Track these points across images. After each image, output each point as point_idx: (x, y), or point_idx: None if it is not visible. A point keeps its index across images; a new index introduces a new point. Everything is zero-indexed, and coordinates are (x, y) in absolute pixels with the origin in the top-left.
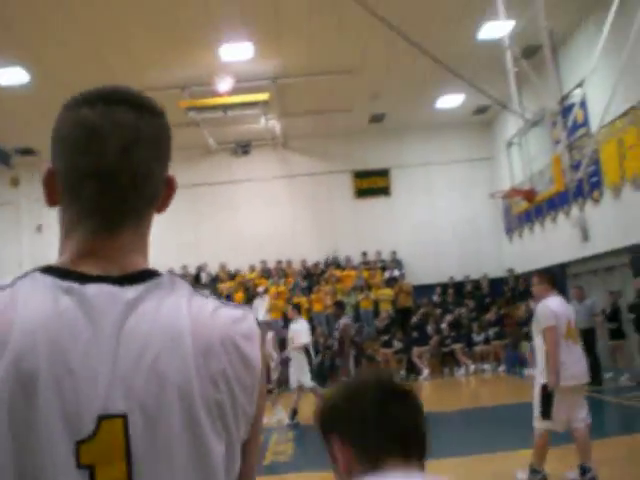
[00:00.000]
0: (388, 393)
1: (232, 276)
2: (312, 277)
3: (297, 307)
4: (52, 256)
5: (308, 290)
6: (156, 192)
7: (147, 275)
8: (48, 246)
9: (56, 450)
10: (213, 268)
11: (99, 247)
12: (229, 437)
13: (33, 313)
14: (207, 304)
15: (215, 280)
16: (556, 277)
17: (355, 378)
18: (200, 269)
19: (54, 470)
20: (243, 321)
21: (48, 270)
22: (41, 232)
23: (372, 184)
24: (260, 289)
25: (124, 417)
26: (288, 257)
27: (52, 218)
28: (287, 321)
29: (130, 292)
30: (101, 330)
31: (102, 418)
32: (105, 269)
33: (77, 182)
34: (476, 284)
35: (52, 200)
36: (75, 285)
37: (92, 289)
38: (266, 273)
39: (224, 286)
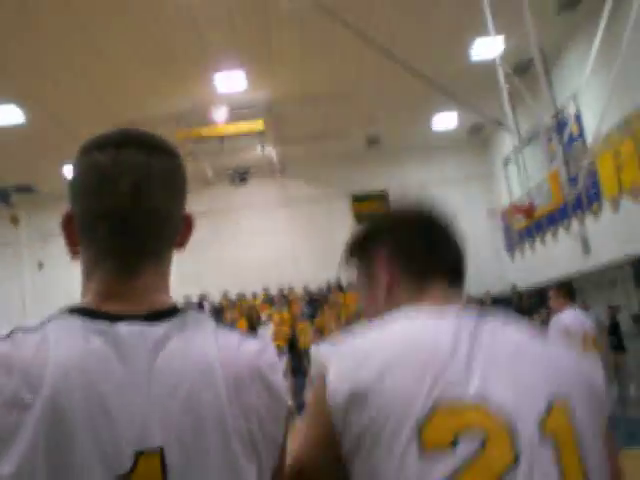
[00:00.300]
0: (435, 220)
1: (234, 304)
2: (315, 302)
3: (320, 331)
4: (54, 292)
5: (312, 316)
6: (174, 231)
7: (173, 312)
8: (50, 282)
9: None
10: (215, 297)
11: (120, 288)
12: (260, 464)
13: (66, 353)
14: (232, 338)
15: (218, 310)
16: (572, 289)
17: (397, 207)
18: (202, 298)
19: None
20: (265, 352)
21: (75, 311)
22: (42, 269)
23: (370, 207)
24: (263, 317)
25: (161, 452)
26: (290, 283)
27: (53, 255)
28: (292, 348)
29: (158, 329)
30: (133, 368)
31: (139, 454)
32: (130, 309)
33: (91, 224)
34: (480, 302)
35: (72, 243)
36: (104, 325)
37: (121, 328)
38: (269, 300)
39: (228, 316)
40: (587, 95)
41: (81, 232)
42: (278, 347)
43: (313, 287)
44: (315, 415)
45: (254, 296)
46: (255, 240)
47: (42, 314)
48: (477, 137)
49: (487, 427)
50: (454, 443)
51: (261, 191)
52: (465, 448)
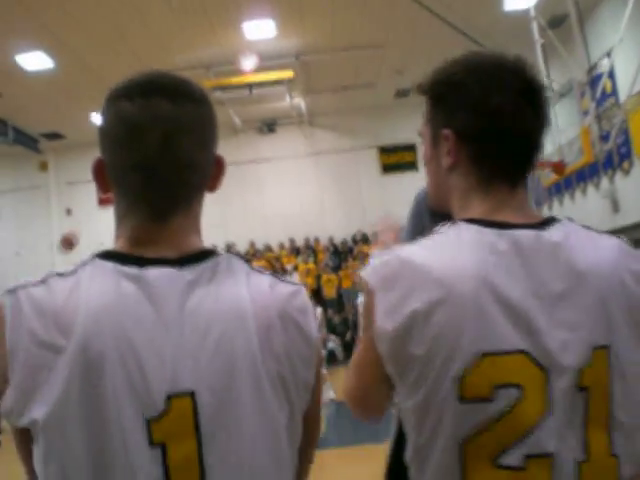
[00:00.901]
0: (521, 91)
1: (260, 253)
2: (340, 254)
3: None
4: (82, 238)
5: (337, 267)
6: (204, 178)
7: (204, 255)
8: (77, 228)
9: (128, 430)
10: (242, 247)
11: (151, 235)
12: (291, 408)
13: (97, 298)
14: (264, 281)
15: (245, 260)
16: None
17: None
18: (229, 248)
19: (126, 449)
20: (298, 295)
21: (107, 255)
22: (71, 215)
23: (399, 159)
24: (289, 267)
25: (192, 395)
26: (316, 234)
27: (80, 201)
28: (318, 298)
29: (189, 273)
30: (163, 312)
31: (171, 396)
32: (162, 253)
33: (122, 175)
34: None
35: (103, 189)
36: (135, 269)
37: (152, 272)
38: (294, 251)
39: (254, 264)
40: (621, 52)
41: (112, 180)
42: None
43: (338, 238)
44: (366, 329)
45: (280, 246)
46: (281, 190)
47: (70, 259)
48: None
49: (526, 379)
50: (492, 395)
51: (288, 141)
52: (502, 400)
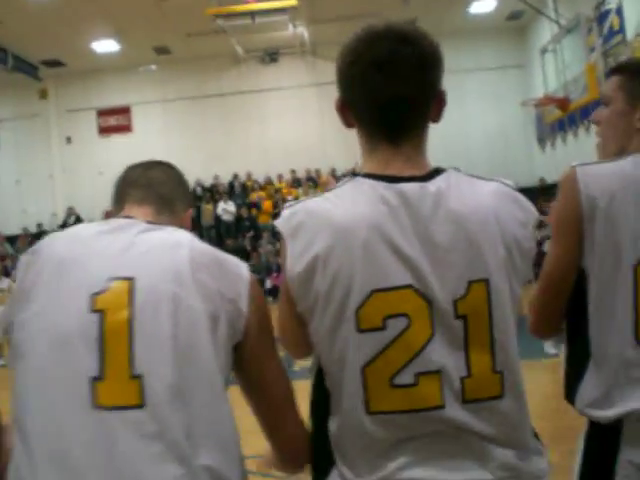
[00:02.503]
0: (383, 58)
1: (261, 186)
2: None
3: None
4: (81, 167)
5: None
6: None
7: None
8: (78, 157)
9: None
10: (243, 178)
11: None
12: (212, 303)
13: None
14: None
15: (245, 189)
16: None
17: (357, 36)
18: (234, 179)
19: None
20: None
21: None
22: (71, 143)
23: None
24: (290, 198)
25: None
26: (317, 166)
27: (80, 130)
28: None
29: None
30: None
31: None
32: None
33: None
34: None
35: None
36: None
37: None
38: (296, 182)
39: (255, 195)
40: None
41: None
42: None
43: (340, 170)
44: (284, 273)
45: (280, 178)
46: (283, 121)
47: (70, 187)
48: (515, 24)
49: (412, 309)
50: (384, 324)
51: (291, 71)
52: (392, 328)
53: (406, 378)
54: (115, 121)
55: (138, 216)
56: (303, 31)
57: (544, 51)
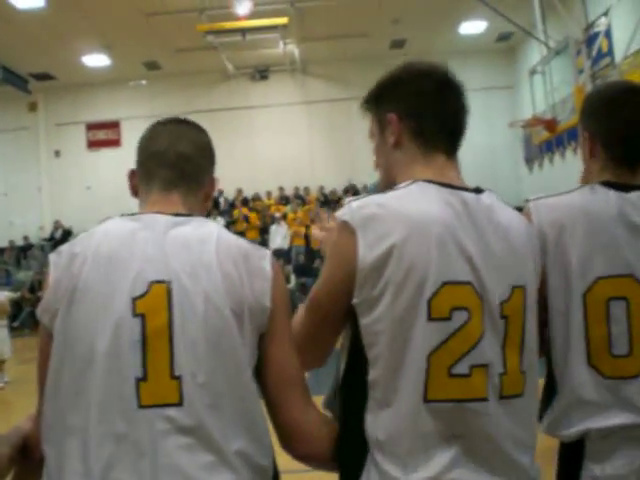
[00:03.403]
0: (444, 81)
1: (246, 202)
2: (330, 204)
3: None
4: (70, 180)
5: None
6: None
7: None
8: (66, 170)
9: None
10: (230, 194)
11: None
12: (239, 304)
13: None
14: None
15: (232, 206)
16: None
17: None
18: (220, 194)
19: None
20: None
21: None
22: (59, 157)
23: None
24: (277, 215)
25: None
26: (306, 184)
27: (69, 143)
28: (308, 248)
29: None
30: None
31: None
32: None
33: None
34: None
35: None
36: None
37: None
38: (284, 200)
39: (243, 211)
40: (619, 11)
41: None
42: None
43: (328, 189)
44: (339, 264)
45: (268, 195)
46: (272, 139)
47: (57, 201)
48: (504, 46)
49: (471, 304)
50: (450, 315)
51: (280, 89)
52: (457, 319)
53: (462, 368)
54: (104, 135)
55: (166, 206)
56: (293, 49)
57: (533, 72)
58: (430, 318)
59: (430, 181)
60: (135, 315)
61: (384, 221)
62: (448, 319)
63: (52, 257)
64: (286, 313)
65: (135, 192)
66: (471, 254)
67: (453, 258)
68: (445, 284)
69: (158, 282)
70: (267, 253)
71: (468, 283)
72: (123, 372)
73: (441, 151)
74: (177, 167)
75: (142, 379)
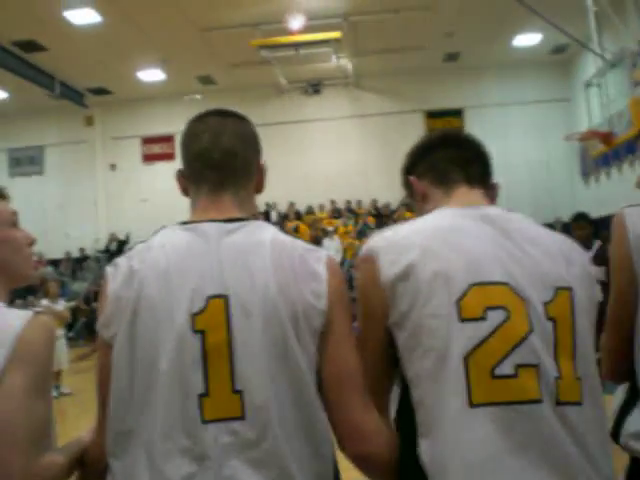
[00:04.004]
0: (453, 136)
1: (299, 216)
2: (382, 217)
3: None
4: (125, 193)
5: (379, 230)
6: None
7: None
8: (121, 184)
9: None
10: (283, 207)
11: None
12: (294, 311)
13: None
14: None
15: (285, 218)
16: None
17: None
18: (269, 207)
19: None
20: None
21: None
22: (115, 170)
23: (445, 124)
24: (330, 229)
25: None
26: (358, 197)
27: (124, 157)
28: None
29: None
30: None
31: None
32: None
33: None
34: (550, 227)
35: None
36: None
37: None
38: (336, 213)
39: (292, 224)
40: None
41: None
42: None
43: (381, 202)
44: (367, 292)
45: (321, 208)
46: (325, 152)
47: (113, 213)
48: (559, 58)
49: (510, 303)
50: (484, 314)
51: (334, 103)
52: (493, 319)
53: (507, 369)
54: (159, 149)
55: (218, 210)
56: (346, 63)
57: (588, 85)
58: (462, 319)
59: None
60: (195, 332)
61: (399, 242)
62: (483, 319)
63: (109, 270)
64: (344, 313)
65: (185, 192)
66: (500, 255)
67: (478, 259)
68: (473, 285)
69: (216, 297)
70: (323, 254)
71: (503, 283)
72: (185, 389)
73: (461, 183)
74: (224, 167)
75: (204, 394)
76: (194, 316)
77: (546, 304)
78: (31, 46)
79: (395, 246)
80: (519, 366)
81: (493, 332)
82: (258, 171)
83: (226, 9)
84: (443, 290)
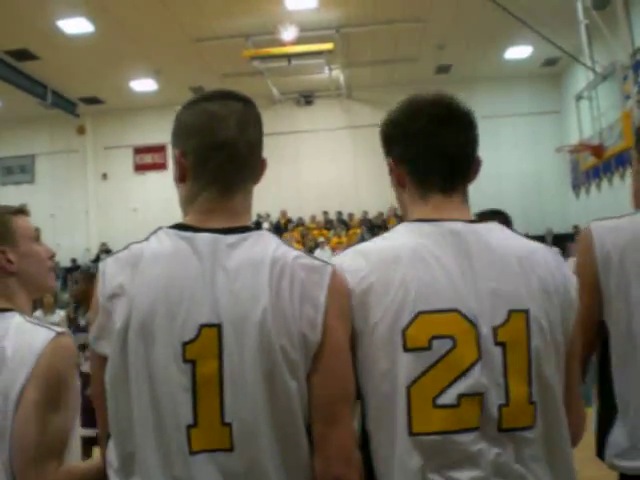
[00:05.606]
0: (439, 118)
1: (292, 226)
2: (374, 228)
3: None
4: (116, 203)
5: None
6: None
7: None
8: (113, 193)
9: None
10: (274, 217)
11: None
12: (291, 337)
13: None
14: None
15: (277, 228)
16: None
17: (416, 96)
18: (260, 218)
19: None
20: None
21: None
22: (106, 180)
23: None
24: (321, 240)
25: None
26: (350, 209)
27: (116, 166)
28: None
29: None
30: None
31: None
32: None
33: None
34: (540, 239)
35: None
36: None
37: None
38: (328, 224)
39: (286, 235)
40: None
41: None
42: None
43: (372, 213)
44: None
45: (312, 219)
46: (317, 163)
47: (104, 223)
48: (550, 71)
49: (458, 332)
50: (429, 345)
51: (325, 114)
52: (439, 348)
53: (449, 399)
54: (151, 159)
55: (223, 216)
56: (339, 74)
57: (579, 98)
58: (406, 349)
59: (420, 220)
60: (185, 361)
61: (360, 264)
62: (427, 349)
63: (101, 268)
64: (343, 328)
65: (182, 179)
66: (455, 280)
67: (430, 286)
68: (421, 313)
69: (208, 326)
70: (327, 272)
71: (453, 310)
72: (175, 418)
73: (436, 190)
74: (247, 164)
75: (193, 426)
76: (185, 345)
77: (496, 328)
78: (24, 55)
79: (356, 268)
80: (462, 396)
81: (437, 362)
82: (261, 167)
83: (219, 20)
84: (392, 317)
